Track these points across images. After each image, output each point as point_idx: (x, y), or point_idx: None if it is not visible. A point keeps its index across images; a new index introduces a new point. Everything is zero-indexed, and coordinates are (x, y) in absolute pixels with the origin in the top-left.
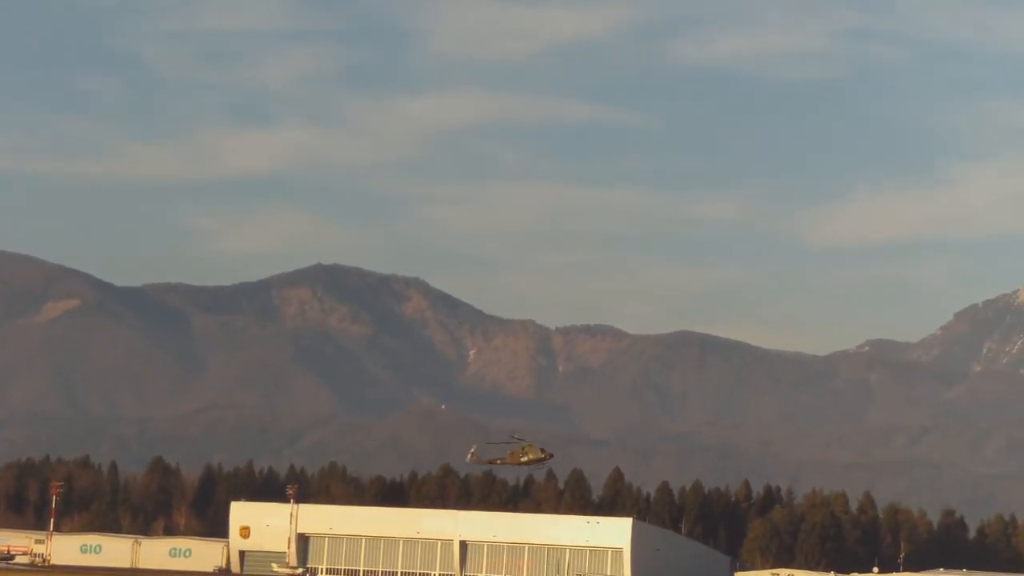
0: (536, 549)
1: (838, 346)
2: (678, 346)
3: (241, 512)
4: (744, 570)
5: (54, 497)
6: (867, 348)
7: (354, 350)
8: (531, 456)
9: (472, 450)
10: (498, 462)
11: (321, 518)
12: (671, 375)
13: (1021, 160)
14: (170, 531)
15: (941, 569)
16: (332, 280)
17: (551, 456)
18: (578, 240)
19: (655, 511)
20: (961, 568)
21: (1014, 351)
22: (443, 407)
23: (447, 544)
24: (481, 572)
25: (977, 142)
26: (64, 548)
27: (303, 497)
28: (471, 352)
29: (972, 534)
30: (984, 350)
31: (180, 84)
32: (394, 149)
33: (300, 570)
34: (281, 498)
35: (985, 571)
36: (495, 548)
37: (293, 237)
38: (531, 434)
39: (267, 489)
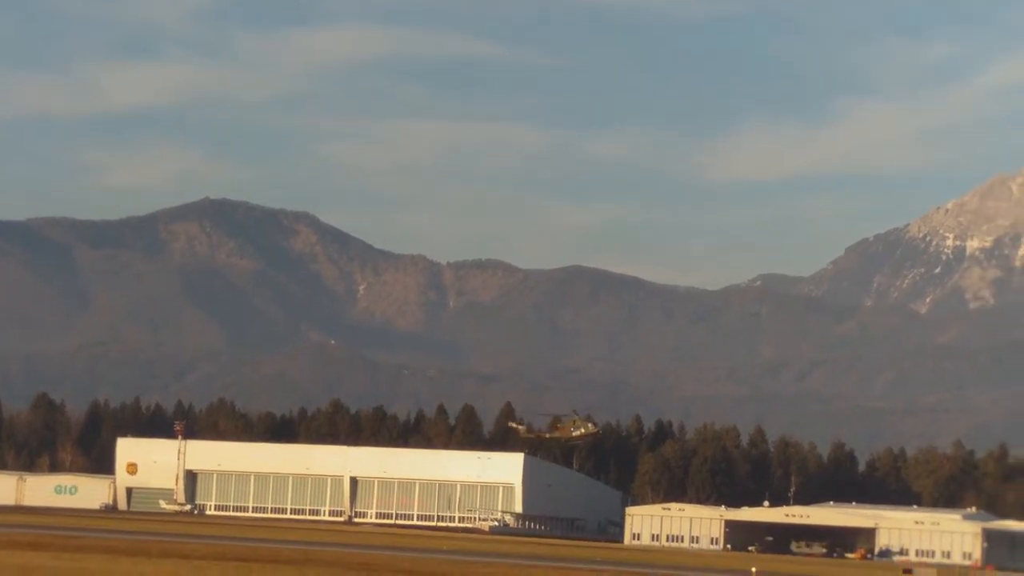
0: (427, 485)
1: (730, 281)
2: (570, 281)
3: (128, 449)
4: (635, 505)
5: None
6: (759, 283)
7: (242, 285)
8: (583, 430)
9: (520, 423)
10: (546, 435)
11: (209, 454)
12: (563, 310)
13: (914, 97)
14: (55, 468)
15: (831, 502)
16: (220, 215)
17: (599, 432)
18: (470, 176)
19: (546, 446)
20: (851, 501)
21: (904, 285)
22: (332, 342)
23: (337, 480)
24: (371, 508)
25: (871, 79)
26: None
27: (191, 433)
28: (361, 287)
29: (862, 467)
30: (874, 284)
31: (66, 16)
32: (286, 84)
33: (188, 507)
34: (168, 434)
35: (874, 504)
36: (386, 484)
37: (181, 171)
38: (421, 370)
39: (154, 425)
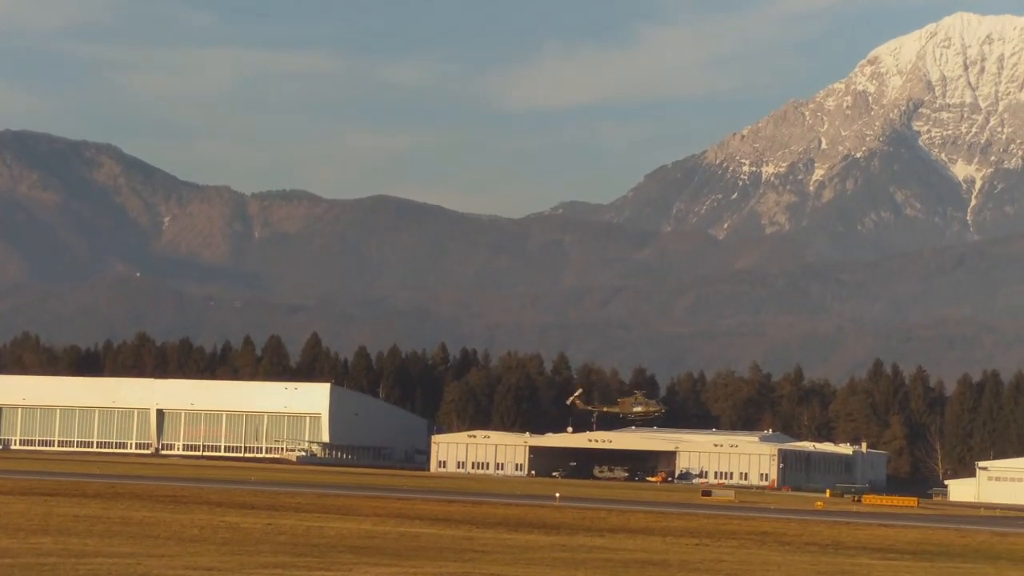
0: (234, 416)
1: (532, 209)
2: (374, 211)
3: None
4: (441, 432)
5: None
6: (561, 210)
7: (45, 218)
8: (644, 408)
9: (577, 394)
10: (605, 409)
11: (14, 389)
12: (368, 240)
13: (708, 24)
14: None
15: (633, 427)
16: (21, 146)
17: (663, 411)
18: (272, 105)
19: (353, 376)
20: (652, 425)
21: (702, 211)
22: (138, 274)
23: (144, 413)
24: (179, 440)
25: (666, 5)
26: None
27: None
28: (166, 219)
29: (663, 392)
30: (674, 211)
31: None
32: (81, 13)
33: None
34: None
35: (675, 427)
36: (193, 416)
37: None
38: (227, 301)
39: None
